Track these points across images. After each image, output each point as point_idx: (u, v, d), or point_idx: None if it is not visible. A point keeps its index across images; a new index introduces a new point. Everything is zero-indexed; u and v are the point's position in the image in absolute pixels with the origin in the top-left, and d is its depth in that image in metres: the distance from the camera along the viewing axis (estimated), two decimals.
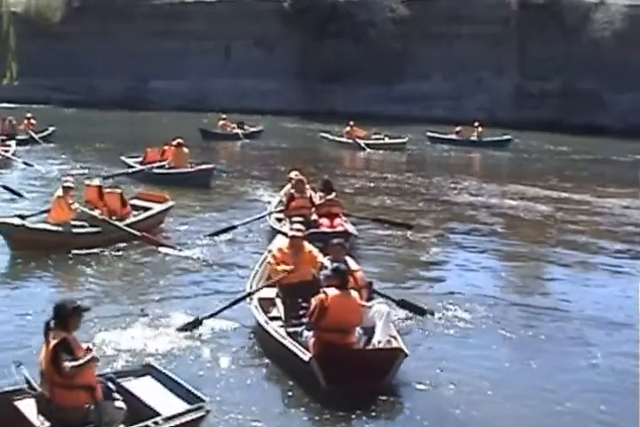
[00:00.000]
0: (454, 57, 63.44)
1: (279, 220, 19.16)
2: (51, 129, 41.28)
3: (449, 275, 16.57)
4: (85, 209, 17.76)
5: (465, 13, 63.71)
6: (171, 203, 20.25)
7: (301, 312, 11.32)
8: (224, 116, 45.79)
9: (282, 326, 11.31)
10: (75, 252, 16.33)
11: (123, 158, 29.08)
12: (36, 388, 7.95)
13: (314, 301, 10.16)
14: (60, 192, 17.52)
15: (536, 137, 49.21)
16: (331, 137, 44.13)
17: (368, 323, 10.58)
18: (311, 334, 10.26)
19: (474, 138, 45.05)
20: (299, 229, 12.95)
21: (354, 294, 10.33)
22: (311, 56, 65.96)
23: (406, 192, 27.36)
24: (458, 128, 45.81)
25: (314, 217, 18.37)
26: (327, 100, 64.15)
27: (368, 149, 40.74)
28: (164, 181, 25.77)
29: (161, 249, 17.18)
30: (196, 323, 11.94)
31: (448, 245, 19.45)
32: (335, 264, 10.73)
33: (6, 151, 31.95)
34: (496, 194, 27.41)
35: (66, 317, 7.94)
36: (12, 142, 34.45)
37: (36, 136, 39.15)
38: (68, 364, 7.61)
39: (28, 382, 8.09)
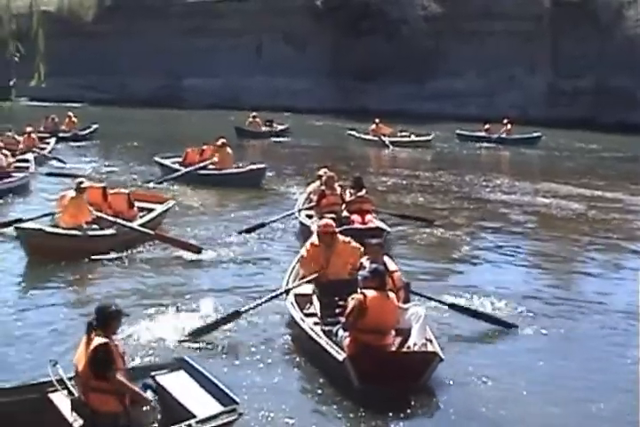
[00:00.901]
0: (487, 54, 63.09)
1: (310, 216, 19.27)
2: (93, 127, 42.14)
3: (482, 272, 16.56)
4: (100, 214, 17.33)
5: (497, 10, 63.34)
6: (171, 203, 20.17)
7: (337, 310, 11.37)
8: (254, 113, 45.82)
9: (317, 324, 11.27)
10: (95, 256, 16.08)
11: (157, 159, 28.48)
12: (72, 391, 7.99)
13: (351, 301, 10.05)
14: (72, 193, 17.12)
15: (568, 135, 48.82)
16: (357, 134, 44.07)
17: (404, 325, 10.52)
18: (346, 333, 10.19)
19: (503, 135, 44.66)
20: (327, 224, 12.92)
21: (391, 295, 10.23)
22: (343, 54, 65.80)
23: (438, 190, 27.28)
24: (487, 126, 45.45)
25: (345, 214, 18.60)
26: (359, 98, 64.02)
27: (392, 147, 40.59)
28: (214, 182, 25.71)
29: (178, 248, 16.84)
30: (235, 315, 11.95)
31: (480, 242, 19.42)
32: (374, 265, 10.64)
33: (43, 149, 32.51)
34: (528, 192, 27.24)
35: (108, 319, 8.06)
36: (52, 140, 35.18)
37: (79, 133, 40.24)
38: (116, 374, 7.77)
39: (63, 382, 8.12)
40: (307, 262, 12.69)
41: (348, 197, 19.13)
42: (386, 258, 12.05)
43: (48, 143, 34.29)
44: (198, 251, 16.62)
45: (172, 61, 71.03)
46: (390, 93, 63.92)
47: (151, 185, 25.54)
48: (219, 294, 13.94)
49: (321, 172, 20.59)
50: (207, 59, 70.30)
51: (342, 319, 10.45)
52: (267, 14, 69.35)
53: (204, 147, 27.53)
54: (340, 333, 10.42)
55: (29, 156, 28.56)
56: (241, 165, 27.44)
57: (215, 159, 26.58)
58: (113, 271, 15.51)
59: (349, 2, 65.48)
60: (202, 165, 26.48)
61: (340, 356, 9.83)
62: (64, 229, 16.54)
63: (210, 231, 19.29)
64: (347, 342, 10.11)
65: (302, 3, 69.28)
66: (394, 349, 10.21)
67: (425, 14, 64.90)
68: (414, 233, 19.65)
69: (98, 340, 7.83)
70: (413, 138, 42.70)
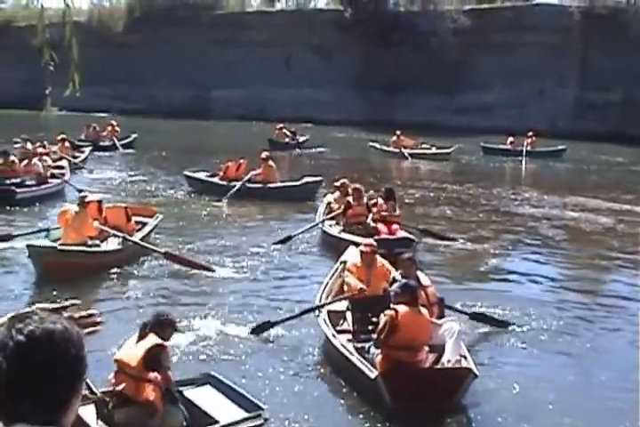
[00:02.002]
0: (516, 66, 62.98)
1: (336, 226, 19.58)
2: (133, 136, 42.66)
3: (509, 286, 16.45)
4: (104, 227, 17.14)
5: (526, 22, 63.25)
6: (160, 216, 19.96)
7: (370, 327, 11.12)
8: (281, 125, 45.93)
9: (350, 341, 11.15)
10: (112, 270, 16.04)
11: (187, 173, 27.82)
12: (96, 391, 8.07)
13: (383, 317, 9.92)
14: (75, 208, 16.77)
15: (596, 147, 48.60)
16: (378, 146, 44.18)
17: (438, 341, 10.41)
18: (378, 350, 10.03)
19: (527, 148, 44.34)
20: (370, 244, 12.95)
21: (424, 311, 10.12)
22: (372, 66, 65.88)
23: (467, 203, 27.20)
24: (511, 139, 45.21)
25: (372, 224, 18.78)
26: (387, 110, 63.98)
27: (410, 159, 40.63)
28: (263, 196, 25.39)
29: (189, 268, 16.47)
30: (266, 326, 12.02)
31: (509, 256, 19.40)
32: (404, 280, 10.61)
33: (76, 157, 33.17)
34: (556, 205, 27.12)
35: (164, 324, 8.45)
36: (87, 149, 35.81)
37: (117, 143, 40.58)
38: (167, 371, 8.18)
39: (88, 386, 8.16)
40: (349, 282, 12.48)
41: (376, 208, 19.25)
42: (419, 272, 12.00)
43: (83, 152, 35.06)
44: (211, 271, 16.25)
45: (200, 72, 71.33)
46: (419, 106, 63.91)
47: (225, 200, 25.18)
48: (244, 306, 13.96)
49: (338, 183, 21.24)
50: (235, 70, 70.55)
51: (374, 336, 10.32)
52: (295, 26, 69.60)
53: (241, 160, 27.07)
54: (372, 349, 10.25)
55: (64, 163, 29.06)
56: (295, 177, 27.27)
57: (257, 172, 26.39)
58: (130, 286, 15.46)
59: (379, 14, 65.72)
60: (248, 178, 26.09)
61: (372, 373, 9.65)
62: (70, 244, 16.13)
63: (237, 242, 19.38)
64: (378, 359, 9.96)
65: (331, 14, 69.63)
66: (427, 365, 10.06)
67: (454, 26, 64.84)
68: (441, 245, 19.63)
69: (155, 339, 8.21)
70: (434, 150, 42.57)
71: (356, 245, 14.29)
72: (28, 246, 15.66)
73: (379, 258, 12.86)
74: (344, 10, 69.81)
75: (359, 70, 66.97)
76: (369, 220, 18.94)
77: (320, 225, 19.97)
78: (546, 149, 44.28)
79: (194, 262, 16.55)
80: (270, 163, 26.70)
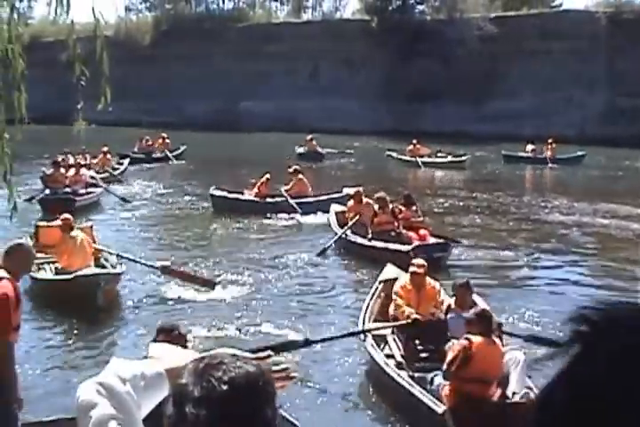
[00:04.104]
0: (543, 73, 62.86)
1: (355, 235, 19.72)
2: (182, 148, 44.20)
3: (542, 295, 16.26)
4: (102, 248, 16.67)
5: (553, 30, 63.14)
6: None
7: (423, 355, 10.72)
8: (310, 136, 45.98)
9: (402, 369, 10.50)
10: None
11: (213, 192, 26.69)
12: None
13: (455, 347, 9.29)
14: (77, 233, 15.74)
15: (625, 153, 48.14)
16: (395, 155, 44.31)
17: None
18: (446, 382, 9.43)
19: (548, 155, 44.17)
20: (422, 265, 12.11)
21: (497, 341, 9.50)
22: (399, 75, 65.88)
23: (497, 211, 27.10)
24: (532, 146, 45.16)
25: (401, 231, 19.06)
26: (415, 120, 63.84)
27: (423, 168, 40.72)
28: (305, 210, 25.02)
29: (191, 283, 15.93)
30: (304, 344, 11.10)
31: (540, 264, 19.33)
32: (480, 308, 9.97)
33: (115, 169, 34.33)
34: (587, 212, 26.92)
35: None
36: (126, 161, 37.07)
37: (170, 154, 42.28)
38: None
39: None
40: (397, 306, 11.82)
41: (402, 215, 19.47)
42: (475, 297, 11.48)
43: (122, 164, 36.21)
44: (213, 286, 15.50)
45: (228, 84, 71.53)
46: (446, 115, 63.78)
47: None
48: (277, 323, 13.73)
49: (352, 191, 21.63)
50: (263, 81, 70.78)
51: (444, 368, 9.67)
52: (322, 37, 69.77)
53: (267, 175, 26.52)
54: (438, 381, 9.65)
55: (93, 173, 29.78)
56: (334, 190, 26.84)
57: (289, 186, 26.22)
58: (155, 308, 15.00)
59: (404, 24, 65.76)
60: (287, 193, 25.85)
61: (439, 408, 8.98)
62: (70, 272, 14.92)
63: (269, 254, 19.49)
64: (446, 391, 9.35)
65: (358, 24, 69.76)
66: (497, 399, 9.33)
67: (481, 35, 64.80)
68: (472, 256, 19.59)
69: (193, 354, 7.96)
70: (448, 159, 42.48)
71: (394, 263, 13.98)
72: (79, 277, 14.48)
73: (428, 279, 12.17)
74: (370, 20, 69.92)
75: (386, 80, 66.97)
76: (400, 228, 19.13)
77: (343, 235, 20.00)
78: (566, 155, 43.99)
79: (194, 277, 15.96)
80: (301, 176, 26.60)
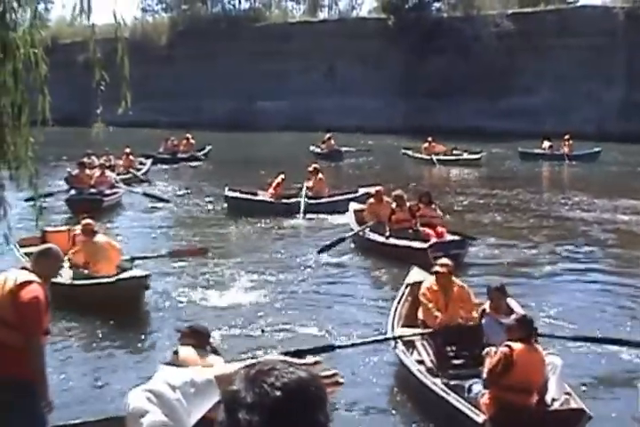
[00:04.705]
0: (561, 69, 62.59)
1: (373, 233, 19.82)
2: (207, 148, 44.78)
3: (565, 293, 16.25)
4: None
5: (570, 26, 62.87)
6: None
7: (457, 361, 10.43)
8: (328, 135, 46.02)
9: (436, 376, 10.18)
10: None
11: (227, 193, 26.64)
12: None
13: (495, 355, 8.96)
14: (100, 237, 15.55)
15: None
16: (411, 153, 44.39)
17: None
18: (485, 391, 9.12)
19: (565, 152, 43.91)
20: (446, 264, 11.81)
21: (539, 348, 9.18)
22: (416, 72, 65.75)
23: (517, 208, 26.98)
24: (548, 143, 44.99)
25: (418, 228, 19.16)
26: (433, 117, 63.73)
27: (438, 166, 40.78)
28: (319, 210, 24.92)
29: (191, 256, 17.07)
30: (328, 349, 11.01)
31: (562, 261, 19.17)
32: (521, 313, 9.80)
33: (138, 170, 34.74)
34: (608, 209, 26.76)
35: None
36: (149, 161, 37.55)
37: (197, 154, 43.26)
38: None
39: None
40: (425, 309, 11.56)
41: (420, 213, 19.55)
42: (510, 300, 11.15)
43: (144, 164, 36.64)
44: (205, 251, 17.15)
45: (244, 84, 71.54)
46: (464, 111, 63.66)
47: (301, 217, 24.58)
48: (299, 327, 13.55)
49: (373, 190, 21.70)
50: (280, 81, 70.75)
51: (468, 370, 9.72)
52: (339, 36, 69.64)
53: (282, 176, 26.47)
54: (476, 389, 9.37)
55: (110, 174, 29.62)
56: (351, 188, 27.03)
57: (309, 185, 26.14)
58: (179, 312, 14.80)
59: (421, 20, 65.60)
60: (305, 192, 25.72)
61: (479, 417, 8.72)
62: (100, 277, 14.84)
63: (281, 256, 19.55)
64: (486, 400, 9.04)
65: (374, 23, 69.69)
66: (536, 407, 8.98)
67: (498, 31, 64.58)
68: (492, 253, 19.60)
69: (220, 359, 8.08)
70: (464, 156, 42.48)
71: (420, 266, 13.77)
72: (121, 280, 14.36)
73: (456, 280, 11.91)
74: (387, 18, 69.78)
75: (403, 77, 66.84)
76: (417, 225, 19.25)
77: (361, 233, 20.14)
78: (582, 152, 43.72)
79: (192, 250, 17.30)
80: (320, 176, 26.57)
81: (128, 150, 35.08)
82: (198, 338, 8.19)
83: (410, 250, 18.02)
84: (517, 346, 8.79)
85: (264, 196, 26.34)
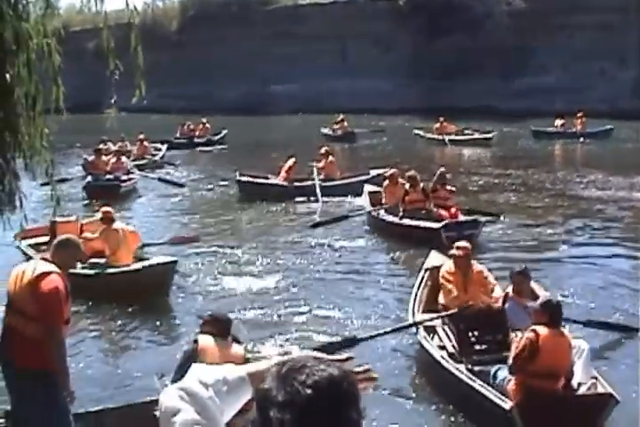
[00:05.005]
0: (573, 48, 62.31)
1: (388, 214, 19.96)
2: (223, 132, 45.09)
3: (583, 274, 16.12)
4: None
5: (582, 3, 62.45)
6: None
7: (480, 346, 10.13)
8: (341, 117, 46.04)
9: (459, 362, 9.96)
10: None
11: (239, 178, 26.29)
12: None
13: (521, 340, 8.73)
14: (118, 225, 15.29)
15: None
16: (422, 133, 44.29)
17: None
18: (511, 377, 8.94)
19: (578, 129, 43.78)
20: (464, 247, 11.68)
21: (566, 332, 8.96)
22: (427, 53, 65.50)
23: (532, 188, 26.92)
24: (561, 121, 44.86)
25: (432, 208, 19.24)
26: (446, 97, 63.47)
27: (450, 146, 40.75)
28: (332, 193, 24.80)
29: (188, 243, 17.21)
30: (352, 342, 10.99)
31: (579, 240, 19.22)
32: (546, 296, 9.39)
33: (154, 155, 35.03)
34: (622, 186, 26.64)
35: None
36: (164, 147, 37.73)
37: (213, 138, 43.62)
38: None
39: None
40: (445, 292, 11.48)
41: (434, 194, 19.62)
42: (533, 284, 10.96)
43: (160, 150, 36.75)
44: (197, 239, 17.54)
45: (256, 68, 71.44)
46: (476, 91, 63.37)
47: (322, 200, 24.47)
48: (320, 316, 13.42)
49: (388, 173, 21.63)
50: (292, 63, 70.53)
51: (491, 356, 9.63)
52: (350, 17, 69.42)
53: (293, 159, 26.35)
54: (502, 375, 9.16)
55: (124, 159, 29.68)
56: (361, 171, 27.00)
57: (321, 166, 26.03)
58: (196, 301, 14.67)
59: (431, 0, 65.22)
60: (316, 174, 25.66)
61: (505, 404, 8.55)
62: (119, 266, 14.74)
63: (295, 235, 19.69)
64: (512, 386, 8.86)
65: (385, 3, 69.32)
66: (563, 392, 8.85)
67: (509, 10, 64.30)
68: (509, 232, 19.59)
69: (241, 348, 8.12)
70: (475, 136, 42.43)
71: (438, 249, 13.69)
72: (148, 267, 14.33)
73: (474, 263, 11.76)
74: None
75: (414, 58, 66.62)
76: (430, 205, 19.28)
77: (375, 214, 20.35)
78: (595, 129, 43.57)
79: (186, 238, 17.63)
80: (331, 158, 26.45)
81: (142, 137, 35.19)
82: (219, 326, 8.17)
83: (423, 230, 18.15)
84: (543, 331, 8.58)
85: (276, 179, 26.21)
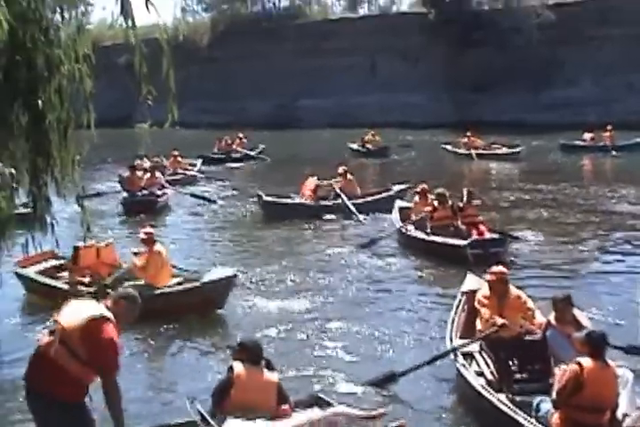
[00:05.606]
0: (603, 60, 62.12)
1: (417, 231, 19.98)
2: (261, 146, 45.25)
3: (616, 291, 15.85)
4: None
5: (612, 16, 62.32)
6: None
7: (519, 375, 9.73)
8: (372, 132, 46.10)
9: (500, 391, 9.61)
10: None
11: (265, 199, 25.68)
12: (212, 424, 8.02)
13: (565, 373, 8.39)
14: (159, 246, 15.17)
15: None
16: (450, 148, 44.06)
17: None
18: (556, 411, 8.51)
19: (606, 143, 43.18)
20: (499, 272, 11.27)
21: (612, 364, 8.52)
22: (457, 67, 65.48)
23: (563, 203, 26.69)
24: (590, 134, 44.39)
25: (460, 226, 19.21)
26: (475, 111, 63.43)
27: (476, 159, 40.52)
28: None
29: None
30: (391, 379, 10.77)
31: (613, 258, 18.91)
32: (590, 327, 9.29)
33: (189, 170, 35.51)
34: None
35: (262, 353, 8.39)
36: (198, 162, 37.96)
37: (251, 153, 43.64)
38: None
39: (202, 416, 8.18)
40: (482, 318, 10.98)
41: (462, 211, 19.58)
42: (576, 311, 10.39)
43: (195, 165, 37.02)
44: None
45: (286, 82, 71.71)
46: (506, 104, 63.30)
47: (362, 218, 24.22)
48: (354, 332, 13.41)
49: (419, 188, 21.71)
50: (322, 78, 70.73)
51: (532, 385, 9.26)
52: (380, 32, 69.56)
53: (316, 177, 26.25)
54: (545, 407, 8.73)
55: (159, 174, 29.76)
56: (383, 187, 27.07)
57: (340, 186, 25.66)
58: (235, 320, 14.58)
59: (462, 14, 65.26)
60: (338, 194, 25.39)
61: None
62: (157, 288, 14.54)
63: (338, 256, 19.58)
64: (555, 420, 8.50)
65: (415, 17, 69.52)
66: (609, 425, 8.43)
67: (539, 22, 64.06)
68: (539, 249, 19.50)
69: (274, 374, 8.28)
70: (504, 150, 41.95)
71: (473, 272, 13.45)
72: (208, 284, 14.34)
73: (511, 288, 11.27)
74: (428, 12, 69.50)
75: (445, 72, 66.64)
76: (458, 222, 19.29)
77: (403, 230, 20.37)
78: (625, 142, 42.95)
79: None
80: (350, 177, 26.23)
81: (176, 152, 35.64)
82: (249, 353, 8.20)
83: (449, 247, 18.23)
84: (587, 363, 8.30)
85: (301, 199, 25.92)
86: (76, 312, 7.40)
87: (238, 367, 8.07)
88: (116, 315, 7.42)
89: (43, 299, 14.74)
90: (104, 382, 7.25)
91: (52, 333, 7.40)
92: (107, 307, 7.49)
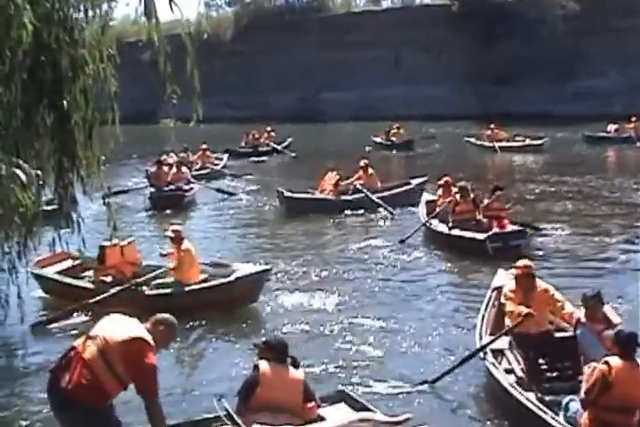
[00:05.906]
0: (628, 51, 61.75)
1: (441, 224, 20.04)
2: (288, 140, 45.18)
3: None
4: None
5: (636, 6, 61.95)
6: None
7: (549, 374, 9.71)
8: (397, 124, 45.98)
9: (529, 390, 9.46)
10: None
11: (287, 194, 25.51)
12: (240, 423, 8.03)
13: (594, 372, 8.21)
14: (188, 244, 15.08)
15: None
16: (473, 140, 43.98)
17: None
18: (584, 411, 8.41)
19: (631, 134, 42.76)
20: (526, 266, 10.96)
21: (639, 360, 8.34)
22: (481, 59, 65.17)
23: (588, 196, 26.58)
24: (614, 126, 44.06)
25: (482, 219, 19.29)
26: (499, 103, 63.15)
27: (499, 152, 40.34)
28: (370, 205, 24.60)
29: None
30: (422, 385, 10.71)
31: (638, 249, 18.86)
32: (620, 326, 9.17)
33: (216, 165, 35.65)
34: None
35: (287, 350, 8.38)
36: (225, 156, 38.35)
37: (278, 147, 43.55)
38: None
39: (229, 414, 8.21)
40: (509, 313, 10.66)
41: (485, 204, 19.65)
42: (607, 308, 10.22)
43: (221, 159, 37.25)
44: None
45: (310, 76, 71.58)
46: (531, 96, 62.97)
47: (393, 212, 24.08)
48: (380, 328, 13.35)
49: (442, 181, 21.73)
50: (345, 71, 70.50)
51: (561, 384, 9.30)
52: (402, 24, 69.25)
53: (335, 173, 26.08)
54: (574, 407, 8.66)
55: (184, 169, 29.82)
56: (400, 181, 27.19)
57: (361, 182, 25.72)
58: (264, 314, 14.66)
59: (486, 5, 64.85)
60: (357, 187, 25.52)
61: None
62: (185, 284, 14.69)
63: (361, 249, 19.55)
64: (584, 420, 8.36)
65: (438, 10, 69.21)
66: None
67: (563, 14, 63.67)
68: (565, 242, 19.45)
69: (300, 372, 8.28)
70: (527, 142, 41.73)
71: (503, 267, 13.28)
72: (241, 278, 14.50)
73: (539, 281, 10.98)
74: (451, 4, 69.19)
75: (469, 64, 66.32)
76: (479, 216, 19.37)
77: (427, 224, 20.42)
78: None
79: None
80: (371, 171, 26.21)
81: (204, 146, 35.79)
82: (274, 352, 8.24)
83: (470, 241, 18.37)
84: (616, 362, 8.17)
85: (322, 194, 25.85)
86: (119, 326, 7.49)
87: (264, 366, 8.11)
88: (154, 338, 7.48)
89: (62, 299, 14.82)
90: (147, 405, 7.33)
91: (89, 338, 7.46)
92: (147, 329, 7.53)
